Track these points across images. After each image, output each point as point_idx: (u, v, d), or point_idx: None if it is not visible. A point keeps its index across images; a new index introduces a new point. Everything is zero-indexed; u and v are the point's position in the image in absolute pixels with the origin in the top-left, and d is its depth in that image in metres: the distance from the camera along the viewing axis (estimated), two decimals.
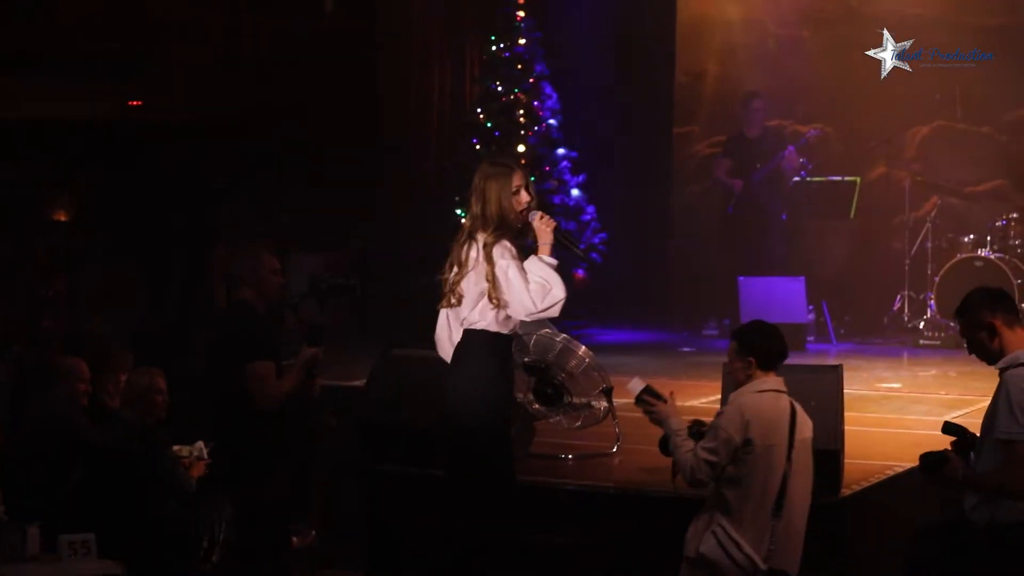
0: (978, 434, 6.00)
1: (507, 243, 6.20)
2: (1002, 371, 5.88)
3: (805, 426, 6.11)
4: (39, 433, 7.63)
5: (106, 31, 12.44)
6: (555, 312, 6.21)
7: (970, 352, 6.07)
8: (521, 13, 13.85)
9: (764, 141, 13.00)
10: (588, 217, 13.73)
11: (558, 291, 6.12)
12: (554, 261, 6.18)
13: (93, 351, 8.57)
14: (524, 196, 6.25)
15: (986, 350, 5.96)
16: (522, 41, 13.84)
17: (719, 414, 6.06)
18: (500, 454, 6.24)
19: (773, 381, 6.10)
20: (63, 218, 12.91)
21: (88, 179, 12.58)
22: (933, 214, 12.77)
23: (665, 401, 6.14)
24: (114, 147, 12.51)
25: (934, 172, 13.24)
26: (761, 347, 6.12)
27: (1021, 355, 5.82)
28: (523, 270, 6.14)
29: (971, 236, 12.52)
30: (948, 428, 6.10)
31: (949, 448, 5.98)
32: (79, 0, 12.32)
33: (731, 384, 6.26)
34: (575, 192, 13.68)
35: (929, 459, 5.88)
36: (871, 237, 13.63)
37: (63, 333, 11.46)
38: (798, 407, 6.12)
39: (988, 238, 12.38)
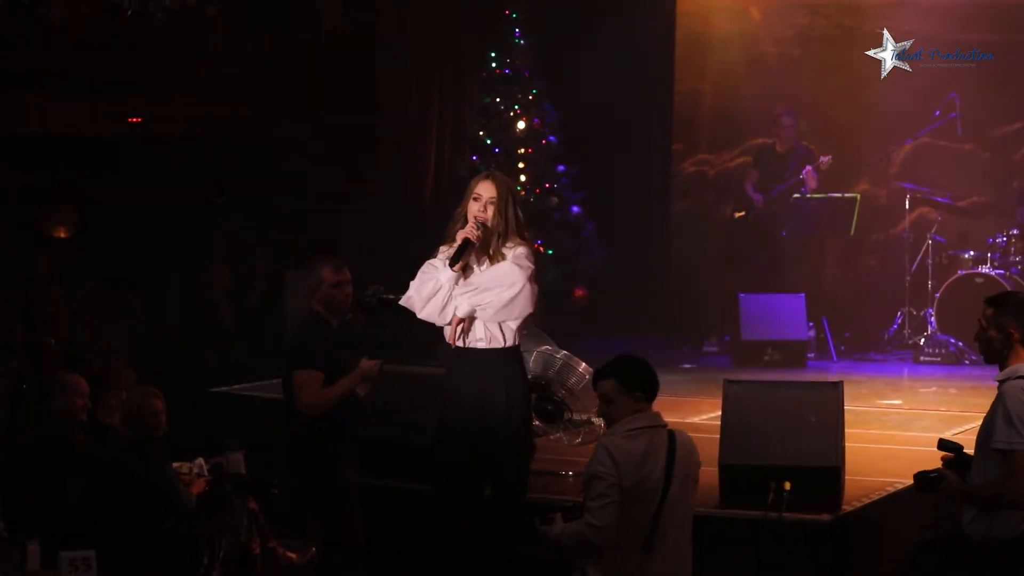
0: (972, 451, 5.98)
1: (444, 247, 6.32)
2: (1001, 383, 5.88)
3: (688, 459, 5.80)
4: (36, 446, 7.62)
5: (106, 48, 12.44)
6: (420, 315, 6.30)
7: (975, 339, 6.04)
8: (520, 30, 13.89)
9: (793, 156, 12.96)
10: (588, 233, 13.74)
11: (410, 293, 6.26)
12: (448, 272, 6.23)
13: (94, 367, 8.58)
14: (479, 208, 6.26)
15: (991, 349, 5.94)
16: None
17: (589, 464, 5.79)
18: (440, 452, 6.38)
19: (647, 417, 5.80)
20: (63, 234, 12.91)
21: (87, 195, 12.57)
22: (933, 230, 12.77)
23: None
24: (114, 163, 12.50)
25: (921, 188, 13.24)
26: (647, 380, 5.87)
27: (1022, 368, 5.82)
28: (432, 277, 6.25)
29: (971, 253, 12.51)
30: (943, 445, 6.08)
31: (942, 463, 5.97)
32: (80, 17, 12.32)
33: (616, 421, 5.84)
34: (575, 208, 13.69)
35: (923, 478, 5.88)
36: (870, 253, 13.63)
37: (62, 348, 11.46)
38: (681, 438, 5.82)
39: (989, 255, 12.38)
